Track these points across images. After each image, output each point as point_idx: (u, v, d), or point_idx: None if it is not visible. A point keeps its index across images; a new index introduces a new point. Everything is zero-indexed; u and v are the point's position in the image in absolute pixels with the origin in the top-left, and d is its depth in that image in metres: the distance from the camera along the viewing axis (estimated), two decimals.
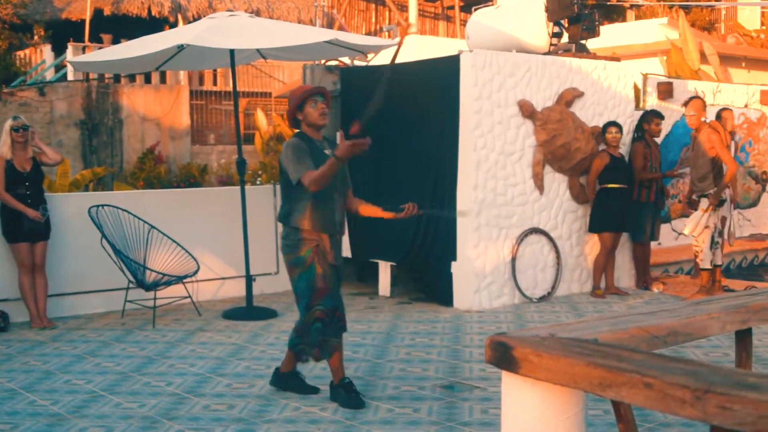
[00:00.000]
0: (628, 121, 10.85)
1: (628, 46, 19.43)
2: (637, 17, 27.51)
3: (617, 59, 11.58)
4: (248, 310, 9.37)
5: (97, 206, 9.28)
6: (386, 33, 22.16)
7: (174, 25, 24.42)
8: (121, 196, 10.19)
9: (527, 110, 9.93)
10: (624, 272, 10.96)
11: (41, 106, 21.45)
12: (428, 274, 10.14)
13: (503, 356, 2.28)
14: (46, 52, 25.43)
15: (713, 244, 9.96)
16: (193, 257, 9.40)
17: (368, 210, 6.48)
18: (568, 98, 10.28)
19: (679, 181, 12.50)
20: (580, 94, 10.41)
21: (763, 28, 28.23)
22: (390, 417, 5.90)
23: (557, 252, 10.29)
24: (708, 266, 10.02)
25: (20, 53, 26.32)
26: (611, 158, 10.23)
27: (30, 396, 6.47)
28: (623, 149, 10.58)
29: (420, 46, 16.68)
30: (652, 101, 12.09)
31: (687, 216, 11.93)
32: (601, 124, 10.56)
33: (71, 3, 26.36)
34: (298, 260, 6.04)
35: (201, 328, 8.82)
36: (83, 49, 23.21)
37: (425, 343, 8.10)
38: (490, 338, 2.34)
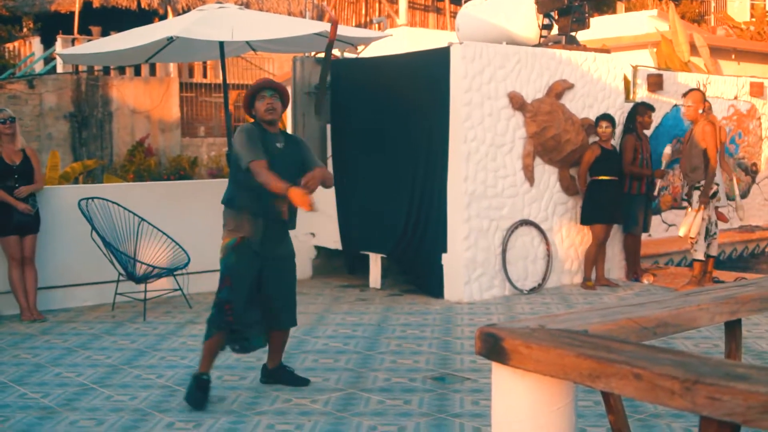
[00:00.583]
0: (618, 112, 10.87)
1: (618, 38, 19.44)
2: (627, 9, 27.55)
3: (607, 51, 11.59)
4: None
5: (87, 199, 9.26)
6: (376, 25, 22.12)
7: (163, 17, 24.37)
8: (111, 188, 10.18)
9: (517, 102, 9.93)
10: (614, 264, 10.98)
11: (30, 99, 21.39)
12: (419, 266, 10.15)
13: (493, 348, 2.28)
14: (35, 44, 25.36)
15: (708, 235, 10.01)
16: (183, 250, 9.39)
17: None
18: (558, 90, 10.29)
19: (669, 172, 12.52)
20: (570, 86, 10.42)
21: (753, 20, 28.28)
22: (381, 408, 5.91)
23: (548, 244, 10.31)
24: (701, 257, 10.06)
25: (9, 45, 26.23)
26: (602, 150, 10.25)
27: (20, 389, 6.46)
28: (614, 141, 10.59)
29: (410, 39, 16.67)
30: (642, 93, 12.10)
31: (676, 208, 11.99)
32: (591, 116, 10.58)
33: None
34: (225, 245, 6.12)
35: (192, 321, 8.81)
36: (72, 42, 23.14)
37: (416, 335, 8.11)
38: (480, 330, 2.34)
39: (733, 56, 20.87)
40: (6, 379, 6.72)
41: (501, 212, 9.89)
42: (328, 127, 11.24)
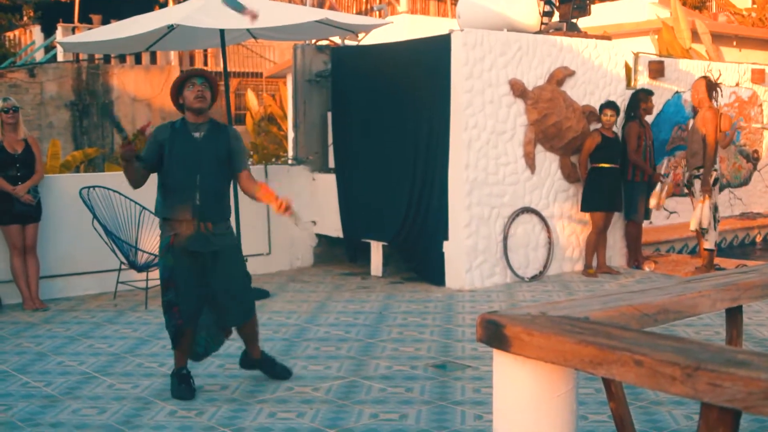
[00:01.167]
0: (620, 99, 10.84)
1: (619, 25, 19.40)
2: None
3: (608, 38, 11.57)
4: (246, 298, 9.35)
5: (89, 187, 9.26)
6: (377, 12, 22.09)
7: (164, 5, 24.34)
8: (112, 177, 10.16)
9: (518, 89, 9.92)
10: (616, 251, 10.98)
11: (31, 88, 21.38)
12: (420, 254, 10.15)
13: (494, 335, 2.28)
14: (36, 33, 25.35)
15: (715, 223, 10.06)
16: None
17: (265, 196, 5.98)
18: (560, 77, 10.27)
19: (671, 160, 12.52)
20: (572, 73, 10.40)
21: (754, 6, 28.20)
22: (382, 396, 5.92)
23: (549, 231, 10.31)
24: (712, 246, 10.09)
25: (9, 34, 26.22)
26: (603, 138, 10.24)
27: (23, 378, 6.48)
28: (615, 128, 10.57)
29: (411, 26, 16.65)
30: (643, 80, 12.09)
31: (678, 195, 11.99)
32: (592, 103, 10.56)
33: None
34: (160, 245, 6.05)
35: None
36: (73, 30, 23.14)
37: (417, 323, 8.11)
38: (481, 317, 2.35)
39: (734, 43, 20.83)
40: (8, 368, 6.73)
41: (502, 200, 9.89)
42: (329, 114, 11.23)
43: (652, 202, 10.40)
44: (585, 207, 10.39)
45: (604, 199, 10.25)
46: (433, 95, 9.76)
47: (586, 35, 10.97)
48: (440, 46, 9.67)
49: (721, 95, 10.84)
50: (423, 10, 29.14)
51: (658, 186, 10.39)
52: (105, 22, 22.84)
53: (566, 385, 2.27)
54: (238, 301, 6.13)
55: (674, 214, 12.75)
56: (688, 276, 9.73)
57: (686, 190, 10.43)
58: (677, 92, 12.40)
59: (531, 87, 10.06)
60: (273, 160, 13.75)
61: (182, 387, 6.01)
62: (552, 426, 2.27)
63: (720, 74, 12.01)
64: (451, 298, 9.23)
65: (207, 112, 6.08)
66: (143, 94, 22.52)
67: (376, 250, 10.57)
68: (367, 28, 11.07)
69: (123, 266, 9.16)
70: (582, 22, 11.29)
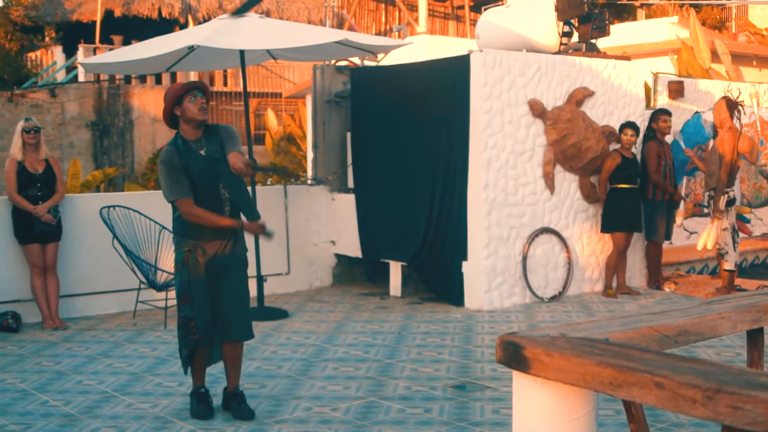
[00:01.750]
0: (639, 120, 10.83)
1: (639, 45, 19.39)
2: (648, 16, 27.46)
3: (628, 58, 11.56)
4: (259, 311, 9.37)
5: (109, 207, 9.30)
6: (396, 33, 22.15)
7: (184, 26, 24.50)
8: (132, 196, 10.23)
9: (537, 110, 9.92)
10: (635, 272, 10.94)
11: (52, 108, 21.53)
12: (439, 274, 10.13)
13: (514, 356, 2.28)
14: (57, 53, 25.54)
15: (734, 244, 10.01)
16: None
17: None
18: (579, 97, 10.27)
19: (691, 180, 12.47)
20: (591, 94, 10.40)
21: None
22: (401, 417, 5.91)
23: (568, 251, 10.28)
24: (732, 267, 10.05)
25: (31, 55, 26.43)
26: (623, 158, 10.22)
27: (42, 396, 6.49)
28: (634, 149, 10.54)
29: (430, 46, 16.68)
30: (662, 100, 12.06)
31: (698, 215, 11.95)
32: (612, 124, 10.55)
33: (82, 4, 26.45)
34: (175, 260, 6.01)
35: None
36: (94, 51, 23.30)
37: (436, 343, 8.10)
38: (500, 338, 2.34)
39: (754, 63, 20.79)
40: (28, 387, 6.75)
41: (521, 220, 9.87)
42: (348, 135, 11.26)
43: (678, 220, 10.38)
44: (605, 228, 10.36)
45: (624, 219, 10.22)
46: (453, 115, 9.77)
47: (605, 55, 10.97)
48: (459, 67, 9.69)
49: (744, 114, 10.80)
50: (442, 30, 29.24)
51: (682, 204, 10.38)
52: (126, 43, 22.99)
53: (586, 406, 2.26)
54: (242, 315, 6.11)
55: (694, 234, 12.68)
56: (708, 297, 9.68)
57: (706, 210, 10.41)
58: (697, 112, 12.36)
59: (550, 107, 10.06)
60: (292, 180, 13.79)
61: (201, 407, 6.01)
62: None
63: (740, 93, 11.97)
64: (470, 318, 9.21)
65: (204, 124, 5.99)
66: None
67: (395, 270, 10.56)
68: (387, 49, 11.11)
69: (142, 285, 9.18)
70: (601, 43, 11.29)
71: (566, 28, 10.93)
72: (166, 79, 23.66)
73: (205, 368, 6.18)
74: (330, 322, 9.07)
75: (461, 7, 29.09)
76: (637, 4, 26.74)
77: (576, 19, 10.89)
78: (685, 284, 10.99)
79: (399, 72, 10.88)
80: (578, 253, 10.43)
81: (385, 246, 10.58)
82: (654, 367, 1.99)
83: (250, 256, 9.60)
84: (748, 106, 12.64)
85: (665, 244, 11.02)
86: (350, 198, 11.02)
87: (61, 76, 24.79)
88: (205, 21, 22.04)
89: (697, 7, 26.90)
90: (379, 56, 12.03)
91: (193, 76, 23.69)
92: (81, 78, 23.22)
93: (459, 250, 9.74)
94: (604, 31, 10.86)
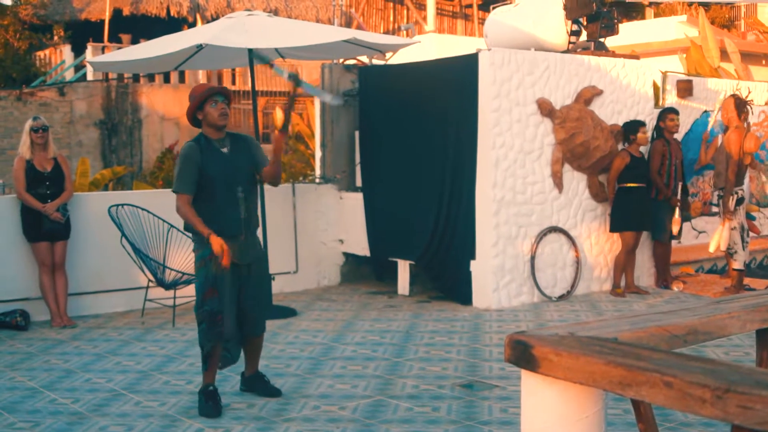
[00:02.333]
0: (648, 119, 10.81)
1: (648, 44, 19.36)
2: (656, 15, 27.40)
3: (636, 57, 11.54)
4: (267, 309, 9.37)
5: (117, 205, 9.32)
6: (404, 32, 22.15)
7: (192, 24, 24.51)
8: (140, 195, 10.23)
9: (546, 108, 9.91)
10: (644, 271, 10.92)
11: (61, 106, 21.57)
12: (447, 273, 10.13)
13: (522, 355, 2.28)
14: (66, 52, 25.56)
15: (743, 243, 9.99)
16: None
17: (272, 163, 6.21)
18: (587, 96, 10.25)
19: (699, 179, 12.45)
20: (599, 93, 10.38)
21: None
22: (409, 416, 5.91)
23: (576, 250, 10.26)
24: (741, 267, 10.02)
25: (40, 54, 26.46)
26: (631, 157, 10.20)
27: (51, 394, 6.51)
28: (643, 148, 10.52)
29: (438, 45, 16.67)
30: (671, 99, 12.03)
31: (706, 215, 11.91)
32: (620, 122, 10.52)
33: (90, 3, 26.49)
34: (198, 257, 6.11)
35: None
36: (102, 49, 23.32)
37: (444, 342, 8.09)
38: (509, 337, 2.34)
39: (763, 61, 20.73)
40: (37, 385, 6.77)
41: (530, 219, 9.87)
42: (356, 133, 11.26)
43: (675, 228, 10.35)
44: (614, 227, 10.34)
45: (633, 218, 10.20)
46: (461, 114, 9.76)
47: (613, 54, 10.95)
48: (468, 66, 9.68)
49: (752, 114, 10.77)
50: (450, 29, 29.22)
51: (677, 212, 10.33)
52: (134, 41, 23.02)
53: (594, 406, 2.26)
54: (262, 311, 6.35)
55: (703, 233, 12.65)
56: (717, 296, 9.67)
57: (715, 209, 10.39)
58: (706, 111, 12.33)
59: (558, 106, 10.04)
60: (300, 178, 13.78)
61: (209, 405, 6.03)
62: None
63: (750, 92, 11.93)
64: (478, 317, 9.21)
65: (225, 127, 6.23)
66: (171, 112, 22.65)
67: (403, 268, 10.56)
68: (395, 48, 11.11)
69: (151, 284, 9.20)
70: (610, 41, 11.26)
71: (575, 27, 10.92)
72: (174, 77, 23.68)
73: (221, 367, 6.25)
74: (338, 321, 9.07)
75: (470, 6, 29.06)
76: (645, 2, 26.67)
77: (585, 18, 10.87)
78: (694, 283, 10.97)
79: (407, 71, 10.87)
80: (586, 252, 10.42)
81: (393, 245, 10.58)
82: (663, 366, 1.99)
83: None
84: (758, 105, 12.60)
85: (674, 244, 10.99)
86: (358, 197, 11.03)
87: (69, 74, 24.82)
88: (213, 20, 22.04)
89: (706, 6, 26.82)
90: (388, 55, 12.03)
91: (201, 75, 23.73)
92: (89, 77, 23.24)
93: (467, 249, 9.73)
94: (612, 30, 10.84)
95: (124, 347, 8.05)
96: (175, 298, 9.04)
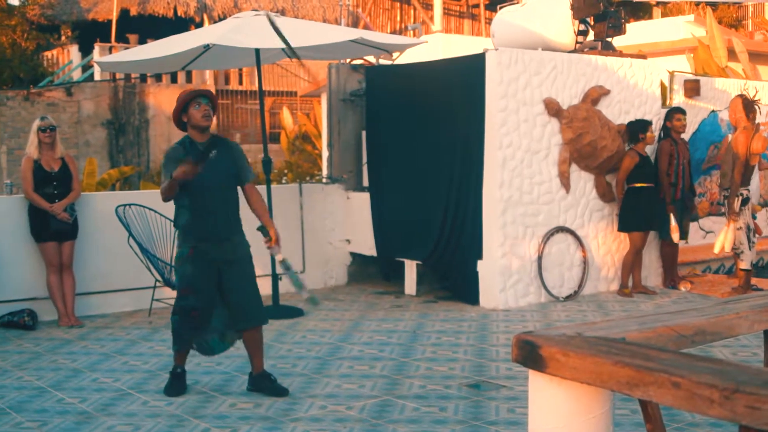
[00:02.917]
0: (655, 119, 10.80)
1: (655, 44, 19.32)
2: (664, 14, 27.36)
3: (644, 57, 11.51)
4: (274, 309, 9.38)
5: (124, 205, 9.33)
6: (411, 32, 22.15)
7: (200, 24, 24.54)
8: (147, 195, 10.23)
9: (553, 108, 9.90)
10: (651, 271, 10.90)
11: (68, 106, 21.61)
12: (454, 273, 10.13)
13: (530, 355, 2.27)
14: (73, 52, 25.62)
15: (750, 243, 9.97)
16: None
17: (267, 222, 6.57)
18: (594, 96, 10.24)
19: (707, 179, 12.43)
20: (607, 92, 10.37)
21: None
22: (416, 416, 5.90)
23: (584, 250, 10.25)
24: (748, 267, 10.01)
25: (48, 54, 26.52)
26: (640, 157, 10.18)
27: (58, 394, 6.52)
28: (649, 148, 10.50)
29: (445, 45, 16.67)
30: (678, 99, 12.02)
31: (714, 215, 11.89)
32: (626, 122, 10.50)
33: (98, 3, 26.54)
34: (178, 254, 6.40)
35: None
36: (110, 50, 23.38)
37: (451, 342, 8.09)
38: (516, 337, 2.34)
39: None
40: (44, 384, 6.78)
41: (537, 219, 9.86)
42: (363, 133, 11.26)
43: (674, 237, 10.33)
44: (623, 227, 10.32)
45: (642, 218, 10.18)
46: (468, 114, 9.76)
47: (621, 54, 10.93)
48: (475, 65, 9.67)
49: (760, 113, 10.75)
50: (457, 29, 29.22)
51: (672, 220, 10.30)
52: (142, 41, 23.05)
53: (602, 406, 2.26)
54: (250, 304, 6.46)
55: (710, 233, 12.63)
56: (725, 297, 9.65)
57: (723, 209, 10.37)
58: (713, 111, 12.31)
59: (566, 106, 10.03)
60: (307, 178, 13.79)
61: (176, 383, 6.49)
62: None
63: (757, 92, 11.91)
64: (485, 317, 9.20)
65: (209, 129, 6.47)
66: None
67: (410, 268, 10.55)
68: (402, 48, 11.11)
69: (158, 284, 9.21)
70: (617, 41, 11.25)
71: (582, 27, 10.91)
72: (181, 77, 23.73)
73: (199, 352, 6.61)
74: (345, 321, 9.08)
75: (476, 6, 29.06)
76: (653, 2, 26.62)
77: (592, 18, 10.86)
78: (701, 284, 10.96)
79: (414, 70, 10.87)
80: (594, 252, 10.40)
81: (400, 245, 10.58)
82: (671, 366, 1.98)
83: (264, 254, 9.63)
84: (766, 104, 12.58)
85: (681, 244, 10.97)
86: (365, 196, 11.03)
87: (77, 74, 24.87)
88: (220, 20, 22.07)
89: (714, 6, 26.78)
90: (394, 55, 12.02)
91: (208, 75, 23.76)
92: (97, 77, 23.29)
93: (474, 249, 9.73)
94: (619, 30, 10.82)
95: (132, 347, 8.06)
96: None
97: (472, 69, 9.72)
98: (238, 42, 8.91)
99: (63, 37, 26.66)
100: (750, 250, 10.03)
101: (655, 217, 10.34)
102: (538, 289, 9.89)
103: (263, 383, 6.48)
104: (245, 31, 9.09)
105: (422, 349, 7.84)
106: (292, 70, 25.96)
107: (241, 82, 25.77)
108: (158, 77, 23.32)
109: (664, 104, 11.53)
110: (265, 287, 9.89)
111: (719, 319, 2.67)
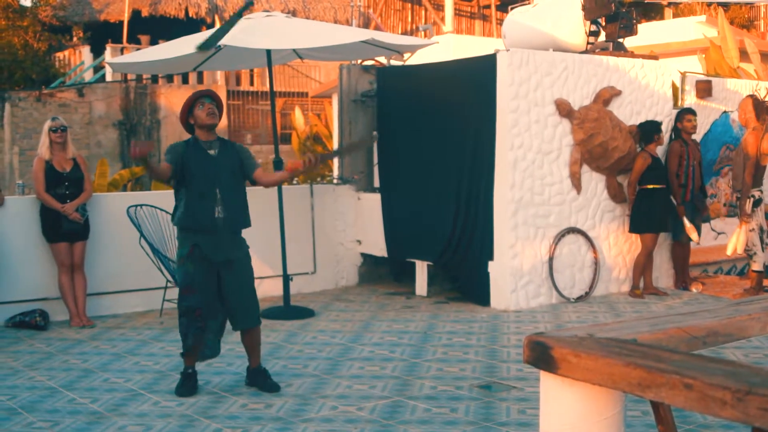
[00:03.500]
0: (667, 119, 10.77)
1: (666, 44, 19.27)
2: (675, 15, 27.30)
3: (655, 57, 11.49)
4: (285, 310, 9.40)
5: (136, 206, 9.35)
6: (422, 32, 22.15)
7: (211, 25, 24.56)
8: (158, 195, 10.24)
9: (564, 109, 9.88)
10: (662, 272, 10.87)
11: (80, 107, 21.66)
12: (465, 274, 10.12)
13: (541, 356, 2.27)
14: (85, 53, 25.68)
15: (763, 245, 9.94)
16: None
17: (277, 176, 6.88)
18: (606, 97, 10.22)
19: (718, 180, 12.40)
20: (618, 93, 10.35)
21: None
22: (427, 417, 5.90)
23: (595, 251, 10.23)
24: (760, 268, 9.97)
25: (59, 55, 26.59)
26: (652, 158, 10.16)
27: (70, 394, 6.53)
28: (660, 149, 10.47)
29: (456, 46, 16.66)
30: (690, 100, 11.99)
31: (727, 216, 11.86)
32: (638, 123, 10.47)
33: (110, 4, 26.60)
34: (178, 255, 6.50)
35: None
36: (121, 50, 23.42)
37: (462, 343, 8.08)
38: (528, 338, 2.33)
39: None
40: (55, 384, 6.80)
41: (548, 220, 9.84)
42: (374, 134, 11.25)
43: (694, 236, 10.30)
44: (635, 228, 10.29)
45: (654, 220, 10.15)
46: (479, 115, 9.75)
47: (632, 55, 10.91)
48: (486, 66, 9.67)
49: None
50: (468, 30, 29.20)
51: (686, 221, 10.27)
52: (153, 42, 23.11)
53: (614, 407, 2.25)
54: (249, 305, 6.54)
55: (722, 234, 12.60)
56: (737, 298, 9.62)
57: (736, 210, 10.35)
58: (725, 112, 12.28)
59: (577, 107, 10.02)
60: (318, 179, 13.80)
61: (187, 384, 6.50)
62: None
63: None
64: (496, 318, 9.19)
65: (215, 128, 6.55)
66: None
67: (421, 269, 10.55)
68: (413, 49, 11.11)
69: (169, 284, 9.22)
70: (628, 42, 11.23)
71: (593, 28, 10.89)
72: (192, 78, 23.76)
73: (200, 360, 6.63)
74: (356, 322, 9.08)
75: (488, 7, 29.03)
76: (664, 3, 26.58)
77: (603, 18, 10.84)
78: (713, 285, 10.93)
79: (425, 71, 10.87)
80: (605, 253, 10.38)
81: (411, 245, 10.57)
82: (683, 368, 1.98)
83: (276, 255, 9.66)
84: None
85: (692, 245, 10.94)
86: (376, 197, 11.02)
87: (88, 75, 24.93)
88: None
89: (726, 6, 26.72)
90: (406, 56, 12.02)
91: (219, 76, 23.79)
92: (108, 77, 23.35)
93: (485, 250, 9.72)
94: (631, 30, 10.80)
95: (143, 347, 8.08)
96: None
97: (483, 70, 9.71)
98: (249, 43, 8.92)
99: (75, 38, 26.73)
100: (763, 251, 9.99)
101: (668, 219, 10.32)
102: (549, 290, 9.87)
103: (258, 378, 6.61)
104: (256, 32, 9.10)
105: (433, 349, 7.84)
106: (303, 71, 25.98)
107: (252, 83, 25.79)
108: (170, 78, 23.36)
109: (675, 105, 11.50)
110: (276, 288, 9.95)
111: (731, 320, 2.67)
